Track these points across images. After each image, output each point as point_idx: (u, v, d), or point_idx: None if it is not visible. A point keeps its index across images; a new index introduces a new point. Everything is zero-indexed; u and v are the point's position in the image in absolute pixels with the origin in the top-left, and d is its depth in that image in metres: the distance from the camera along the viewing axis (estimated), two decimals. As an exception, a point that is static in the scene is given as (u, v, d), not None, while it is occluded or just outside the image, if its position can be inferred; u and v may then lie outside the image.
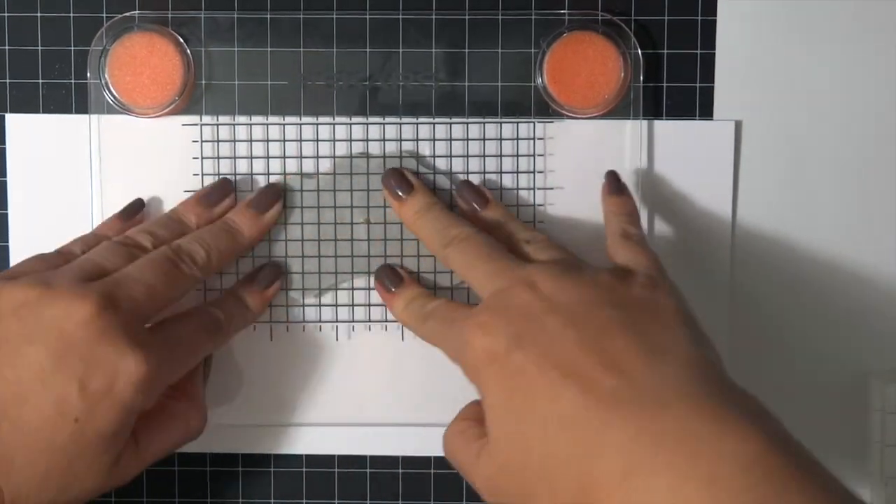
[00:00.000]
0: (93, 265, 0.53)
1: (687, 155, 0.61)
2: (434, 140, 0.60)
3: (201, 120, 0.60)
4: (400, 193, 0.58)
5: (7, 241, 0.61)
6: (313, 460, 0.62)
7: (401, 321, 0.58)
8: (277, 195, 0.59)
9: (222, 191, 0.59)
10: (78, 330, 0.49)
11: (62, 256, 0.55)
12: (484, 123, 0.60)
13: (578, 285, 0.50)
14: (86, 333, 0.49)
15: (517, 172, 0.60)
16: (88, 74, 0.59)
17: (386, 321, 0.61)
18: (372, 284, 0.60)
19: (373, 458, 0.62)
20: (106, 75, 0.59)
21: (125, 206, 0.59)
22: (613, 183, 0.58)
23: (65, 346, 0.49)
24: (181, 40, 0.59)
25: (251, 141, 0.60)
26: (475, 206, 0.59)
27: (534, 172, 0.60)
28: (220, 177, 0.60)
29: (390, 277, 0.59)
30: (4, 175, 0.61)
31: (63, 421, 0.48)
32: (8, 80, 0.61)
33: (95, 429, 0.49)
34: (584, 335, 0.47)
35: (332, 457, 0.62)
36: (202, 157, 0.60)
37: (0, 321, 0.50)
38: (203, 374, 0.58)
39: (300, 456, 0.62)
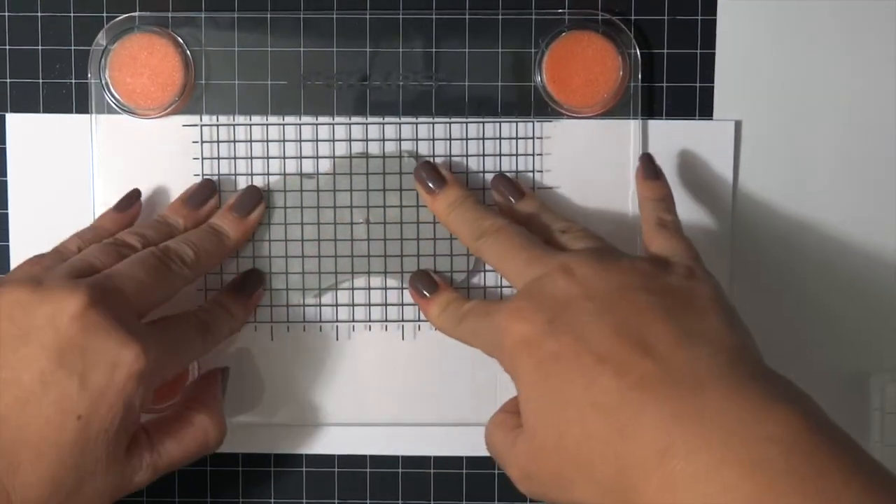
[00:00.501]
0: (83, 263, 0.53)
1: (687, 155, 0.61)
2: (433, 140, 0.60)
3: (201, 120, 0.60)
4: (432, 186, 0.58)
5: (7, 241, 0.61)
6: (313, 460, 0.62)
7: (436, 326, 0.58)
8: (259, 197, 0.59)
9: (206, 191, 0.59)
10: (72, 324, 0.48)
11: (59, 255, 0.55)
12: (483, 123, 0.60)
13: (615, 271, 0.50)
14: (80, 327, 0.48)
15: (516, 172, 0.60)
16: (89, 75, 0.59)
17: (386, 321, 0.61)
18: (372, 284, 0.61)
19: (373, 457, 0.62)
20: (106, 76, 0.59)
21: (121, 198, 0.59)
22: (648, 166, 0.58)
23: (61, 342, 0.48)
24: (181, 41, 0.59)
25: (251, 141, 0.60)
26: (511, 198, 0.59)
27: (533, 172, 0.60)
28: (204, 178, 0.60)
29: (425, 283, 0.58)
30: (4, 175, 0.61)
31: (66, 419, 0.48)
32: (8, 80, 0.61)
33: (99, 425, 0.49)
34: (618, 320, 0.47)
35: (332, 456, 0.62)
36: (202, 158, 0.60)
37: None
38: (221, 388, 0.58)
39: (300, 455, 0.62)
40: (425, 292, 0.58)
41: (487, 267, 0.60)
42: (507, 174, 0.60)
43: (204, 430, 0.55)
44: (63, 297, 0.49)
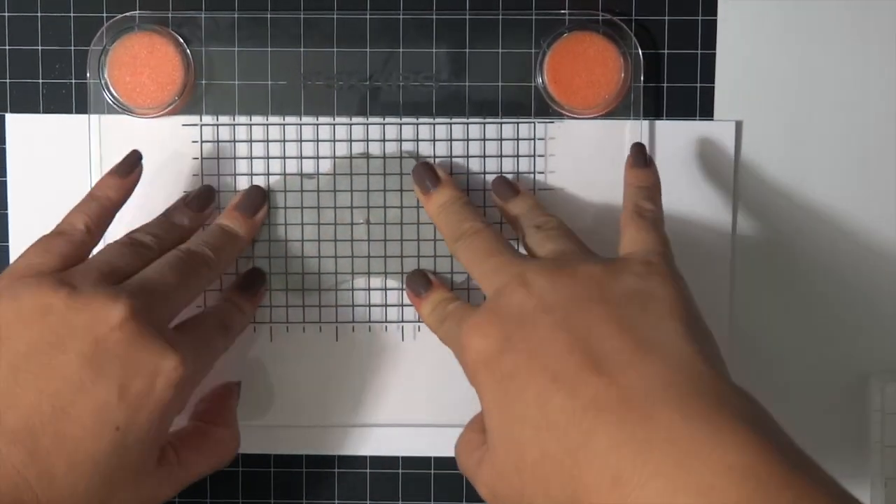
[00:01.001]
0: (110, 267, 0.52)
1: (687, 155, 0.60)
2: (434, 140, 0.60)
3: (201, 120, 0.60)
4: (428, 185, 0.58)
5: (7, 241, 0.61)
6: (313, 460, 0.62)
7: (427, 325, 0.57)
8: (263, 197, 0.59)
9: (207, 195, 0.59)
10: (112, 334, 0.48)
11: (64, 237, 0.53)
12: (484, 124, 0.60)
13: (570, 282, 0.48)
14: (120, 337, 0.48)
15: (517, 173, 0.60)
16: (88, 74, 0.59)
17: (386, 322, 0.61)
18: (372, 285, 0.61)
19: (373, 458, 0.62)
20: (106, 75, 0.59)
21: (120, 161, 0.57)
22: (638, 156, 0.57)
23: (100, 352, 0.48)
24: (181, 40, 0.59)
25: (251, 141, 0.60)
26: (505, 198, 0.58)
27: (534, 173, 0.60)
28: (204, 184, 0.60)
29: (420, 282, 0.58)
30: (4, 175, 0.61)
31: (104, 430, 0.48)
32: (8, 80, 0.61)
33: (136, 436, 0.48)
34: (573, 335, 0.46)
35: (332, 457, 0.62)
36: (202, 158, 0.60)
37: (26, 328, 0.48)
38: (236, 401, 0.59)
39: (300, 456, 0.62)
40: (420, 291, 0.58)
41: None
42: (508, 176, 0.60)
43: (224, 443, 0.56)
44: (103, 305, 0.48)
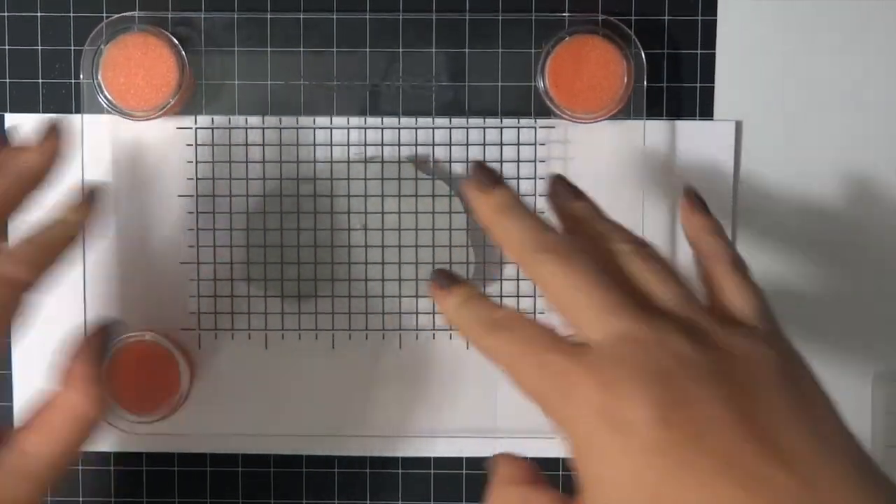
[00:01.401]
0: None
1: (687, 155, 0.60)
2: (434, 144, 0.60)
3: (195, 123, 0.60)
4: (485, 185, 0.48)
5: (6, 241, 0.61)
6: (313, 460, 0.62)
7: (452, 322, 0.47)
8: (55, 126, 0.51)
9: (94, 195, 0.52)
10: None
11: None
12: (485, 127, 0.60)
13: (725, 354, 0.41)
14: None
15: (518, 179, 0.60)
16: (81, 75, 0.59)
17: (384, 329, 0.61)
18: (369, 292, 0.60)
19: (372, 458, 0.62)
20: (99, 76, 0.58)
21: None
22: (695, 199, 0.50)
23: None
24: (176, 42, 0.58)
25: (247, 145, 0.60)
26: (566, 200, 0.50)
27: (535, 178, 0.60)
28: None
29: (447, 276, 0.48)
30: (4, 175, 0.61)
31: None
32: (8, 80, 0.61)
33: None
34: (744, 417, 0.39)
35: (332, 458, 0.62)
36: (196, 161, 0.60)
37: None
38: (97, 348, 0.49)
39: (300, 456, 0.62)
40: (446, 284, 0.47)
41: (493, 276, 0.60)
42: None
43: (70, 406, 0.47)
44: None
